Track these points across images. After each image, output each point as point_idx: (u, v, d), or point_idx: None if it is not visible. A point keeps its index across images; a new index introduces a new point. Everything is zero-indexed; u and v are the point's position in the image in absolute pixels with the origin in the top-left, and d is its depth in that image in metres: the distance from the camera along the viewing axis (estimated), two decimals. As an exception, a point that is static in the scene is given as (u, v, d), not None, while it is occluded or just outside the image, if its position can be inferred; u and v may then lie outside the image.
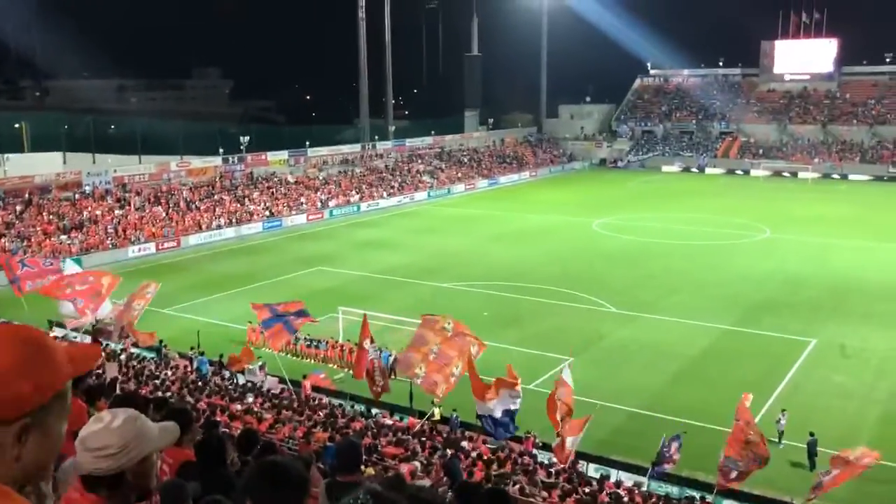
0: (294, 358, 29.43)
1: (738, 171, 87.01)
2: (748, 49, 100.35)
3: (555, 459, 18.76)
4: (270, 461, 2.72)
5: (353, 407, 23.42)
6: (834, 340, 30.74)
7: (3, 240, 44.70)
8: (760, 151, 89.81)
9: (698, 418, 23.55)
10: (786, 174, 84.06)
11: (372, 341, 23.01)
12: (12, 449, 1.64)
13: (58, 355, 1.74)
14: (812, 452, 20.86)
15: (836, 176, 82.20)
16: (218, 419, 16.14)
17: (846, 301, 36.35)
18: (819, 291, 37.94)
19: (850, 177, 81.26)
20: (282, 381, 25.71)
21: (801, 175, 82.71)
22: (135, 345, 28.11)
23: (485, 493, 5.19)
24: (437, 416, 22.60)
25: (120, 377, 20.90)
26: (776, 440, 21.91)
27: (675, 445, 18.65)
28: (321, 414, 20.66)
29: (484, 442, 20.21)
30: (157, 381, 21.73)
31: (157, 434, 2.38)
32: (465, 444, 19.51)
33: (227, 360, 26.75)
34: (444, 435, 20.50)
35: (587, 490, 16.11)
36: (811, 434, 21.27)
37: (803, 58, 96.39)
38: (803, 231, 52.28)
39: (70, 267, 28.76)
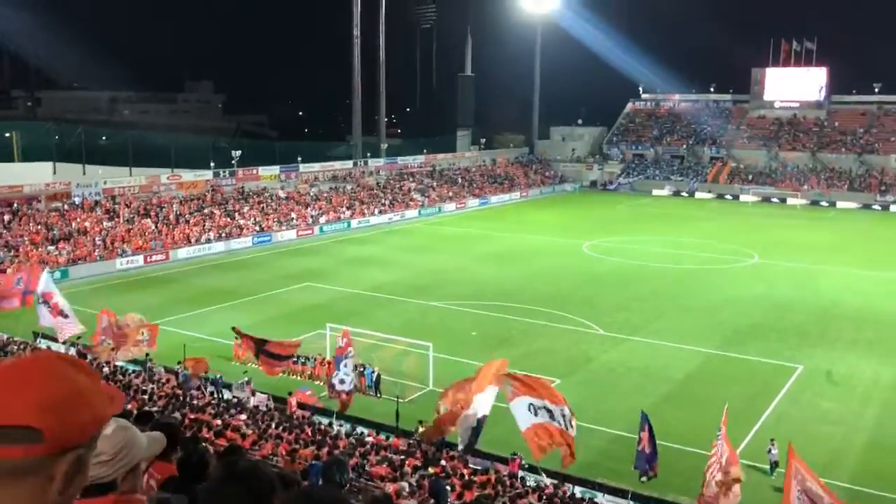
0: (281, 374, 29.22)
1: (728, 196, 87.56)
2: (739, 75, 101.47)
3: (546, 481, 18.69)
4: (241, 462, 2.67)
5: (340, 425, 23.27)
6: (821, 367, 30.82)
7: (-11, 249, 44.42)
8: (750, 177, 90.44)
9: (684, 442, 23.49)
10: (775, 200, 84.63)
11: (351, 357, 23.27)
12: (59, 482, 1.57)
13: (106, 390, 1.72)
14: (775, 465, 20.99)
15: (824, 203, 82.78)
16: (204, 435, 16.00)
17: (833, 327, 36.49)
18: (806, 317, 38.08)
19: (839, 204, 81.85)
20: (272, 398, 25.59)
21: (789, 201, 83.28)
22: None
23: None
24: (422, 434, 22.44)
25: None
26: (768, 470, 21.81)
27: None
28: (308, 431, 20.51)
29: (466, 465, 20.09)
30: (145, 397, 21.54)
31: (146, 443, 2.42)
32: (443, 462, 19.38)
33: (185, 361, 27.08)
34: (429, 454, 20.35)
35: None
36: (771, 442, 21.39)
37: (793, 85, 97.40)
38: (791, 257, 52.54)
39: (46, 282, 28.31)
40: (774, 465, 21.70)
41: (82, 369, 1.66)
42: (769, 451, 21.99)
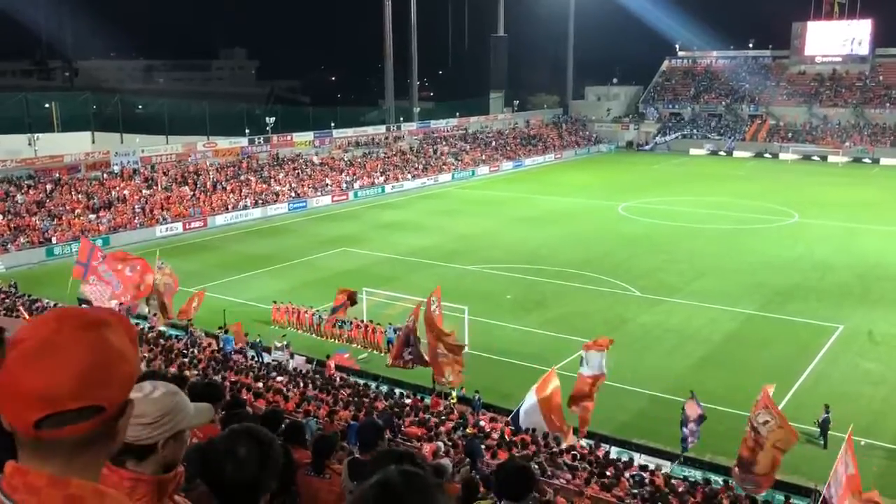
0: (318, 338, 29.66)
1: (767, 155, 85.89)
2: (779, 30, 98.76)
3: (578, 441, 18.82)
4: (243, 427, 2.68)
5: (377, 387, 23.58)
6: (862, 327, 30.37)
7: (34, 218, 45.35)
8: (790, 135, 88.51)
9: (722, 403, 23.40)
10: (815, 158, 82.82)
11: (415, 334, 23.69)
12: (122, 434, 1.69)
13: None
14: (824, 430, 20.72)
15: (867, 160, 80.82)
16: (243, 397, 16.32)
17: (875, 287, 35.85)
18: (847, 277, 37.44)
19: (882, 161, 79.83)
20: (308, 360, 25.99)
21: (830, 159, 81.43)
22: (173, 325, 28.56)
23: (509, 469, 5.18)
24: (454, 399, 22.68)
25: (147, 355, 21.22)
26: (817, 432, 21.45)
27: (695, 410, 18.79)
28: (345, 393, 20.82)
29: (506, 424, 20.28)
30: (186, 360, 22.00)
31: (193, 412, 2.42)
32: (482, 422, 19.61)
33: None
34: (465, 415, 20.56)
35: (610, 473, 16.11)
36: (826, 410, 21.03)
37: (836, 39, 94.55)
38: (832, 216, 51.55)
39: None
40: (822, 429, 21.22)
41: (108, 326, 1.64)
42: (823, 416, 21.41)
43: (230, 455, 2.50)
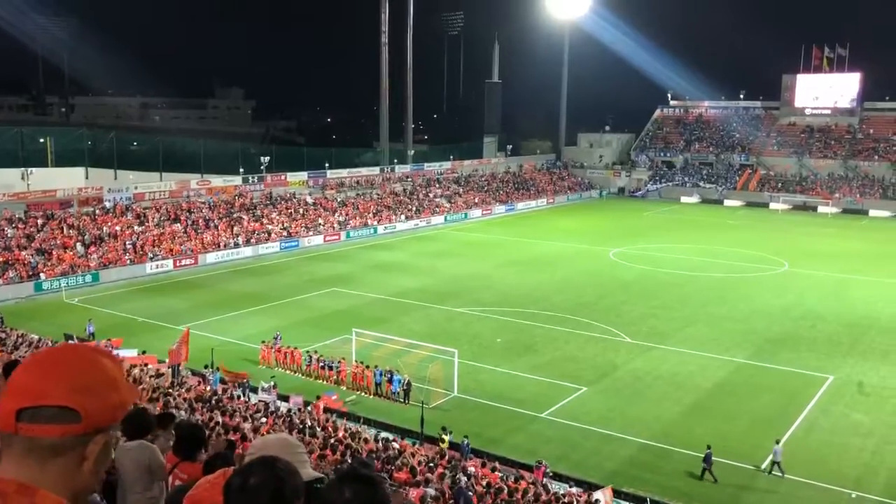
0: (307, 378, 29.42)
1: (757, 204, 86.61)
2: (770, 82, 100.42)
3: (570, 489, 18.64)
4: (262, 458, 2.64)
5: (359, 429, 23.31)
6: (852, 378, 30.33)
7: (23, 252, 45.15)
8: (780, 185, 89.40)
9: (713, 452, 23.23)
10: (805, 208, 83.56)
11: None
12: (91, 462, 1.72)
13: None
14: (707, 462, 21.56)
15: (856, 211, 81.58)
16: (232, 438, 16.10)
17: (865, 338, 35.89)
18: (837, 327, 37.50)
19: (871, 212, 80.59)
20: (306, 403, 25.71)
21: (820, 209, 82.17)
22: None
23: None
24: (446, 444, 22.44)
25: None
26: (768, 469, 21.89)
27: None
28: (332, 435, 20.57)
29: (493, 469, 20.07)
30: (170, 399, 21.74)
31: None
32: (471, 468, 19.36)
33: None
34: (453, 461, 20.33)
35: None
36: (708, 447, 21.96)
37: (825, 92, 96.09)
38: (822, 266, 51.81)
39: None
40: (775, 465, 21.93)
41: (110, 358, 1.79)
42: (774, 451, 22.09)
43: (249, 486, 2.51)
